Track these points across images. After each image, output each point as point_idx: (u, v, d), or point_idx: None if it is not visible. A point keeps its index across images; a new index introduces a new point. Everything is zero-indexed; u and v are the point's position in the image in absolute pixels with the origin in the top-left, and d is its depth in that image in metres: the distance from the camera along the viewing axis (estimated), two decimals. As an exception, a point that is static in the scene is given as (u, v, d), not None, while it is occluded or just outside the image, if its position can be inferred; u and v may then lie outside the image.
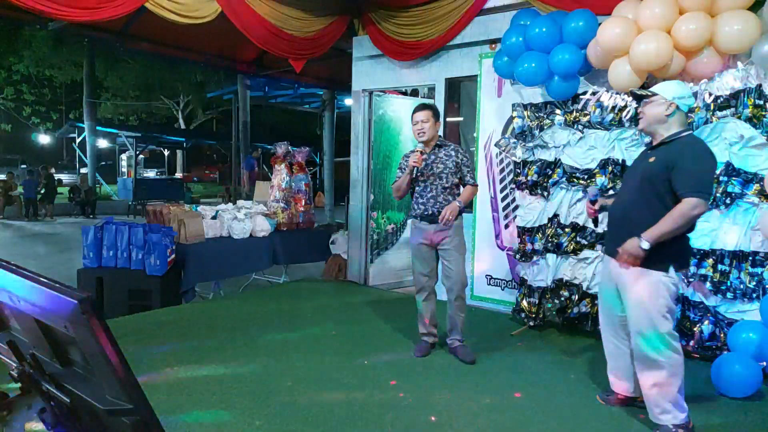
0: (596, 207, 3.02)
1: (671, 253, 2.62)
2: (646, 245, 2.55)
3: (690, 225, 2.60)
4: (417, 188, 3.75)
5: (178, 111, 25.34)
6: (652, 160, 2.70)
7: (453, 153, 3.75)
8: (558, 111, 4.32)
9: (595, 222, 3.20)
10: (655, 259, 2.59)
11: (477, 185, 3.86)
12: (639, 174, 2.75)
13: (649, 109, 2.74)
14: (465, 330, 3.81)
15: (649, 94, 2.75)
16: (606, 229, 3.03)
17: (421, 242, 3.75)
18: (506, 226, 5.00)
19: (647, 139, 3.95)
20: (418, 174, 3.67)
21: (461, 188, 3.80)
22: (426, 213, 3.70)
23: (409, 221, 3.93)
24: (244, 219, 5.79)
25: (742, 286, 3.57)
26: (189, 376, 3.34)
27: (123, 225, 4.90)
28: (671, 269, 2.62)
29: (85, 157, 19.40)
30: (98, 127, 19.60)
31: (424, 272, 3.79)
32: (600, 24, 3.86)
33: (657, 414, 2.70)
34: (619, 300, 2.84)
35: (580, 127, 4.21)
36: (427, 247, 3.76)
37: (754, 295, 3.55)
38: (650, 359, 2.66)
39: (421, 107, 3.76)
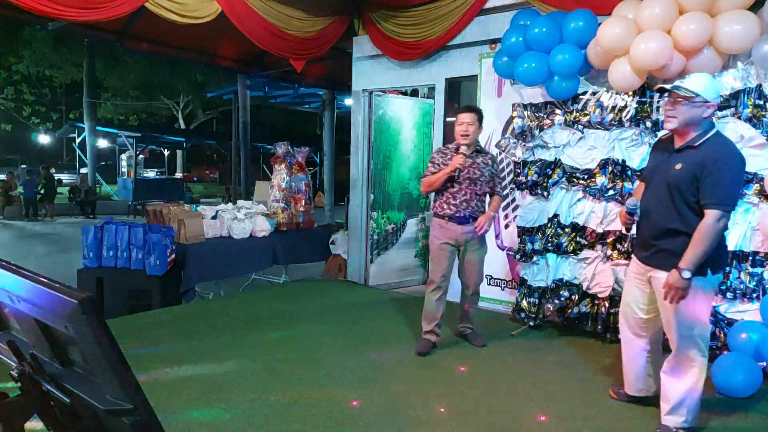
0: (635, 219, 2.84)
1: (709, 257, 2.53)
2: (688, 274, 2.46)
3: (718, 238, 2.50)
4: (450, 189, 3.75)
5: (178, 111, 25.34)
6: (678, 167, 2.56)
7: (490, 162, 3.83)
8: (558, 111, 4.31)
9: (628, 230, 3.03)
10: None
11: (503, 195, 4.02)
12: (665, 180, 2.62)
13: (687, 110, 2.52)
14: (474, 318, 4.07)
15: (692, 95, 2.50)
16: (635, 234, 2.92)
17: (446, 242, 3.78)
18: (506, 226, 5.00)
19: (646, 138, 3.96)
20: (456, 175, 3.69)
21: (487, 196, 3.88)
22: (457, 215, 3.73)
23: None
24: (244, 219, 5.79)
25: (742, 286, 3.57)
26: (189, 376, 3.34)
27: (123, 225, 4.90)
28: (709, 273, 2.55)
29: (85, 157, 19.42)
30: (98, 127, 19.62)
31: (443, 272, 3.81)
32: (600, 24, 3.86)
33: (669, 415, 2.69)
34: (644, 304, 2.81)
35: (580, 127, 4.21)
36: (450, 247, 3.79)
37: (754, 295, 3.55)
38: (685, 364, 2.64)
39: (468, 109, 3.80)
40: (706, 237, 2.45)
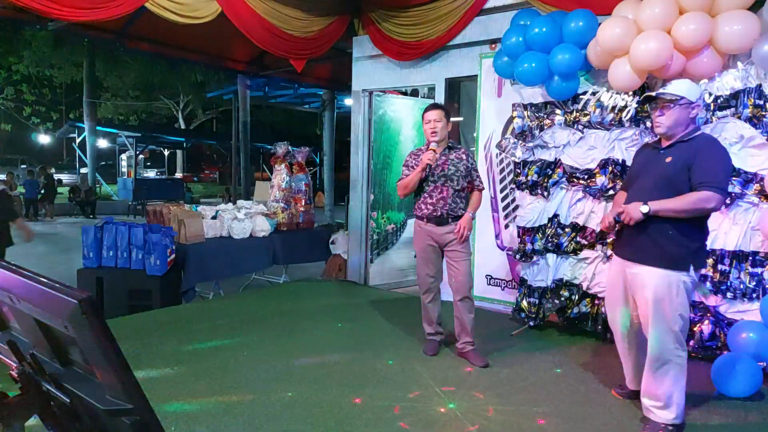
0: (617, 227, 2.90)
1: (692, 253, 2.65)
2: (645, 209, 2.59)
3: (695, 214, 2.60)
4: (426, 188, 3.68)
5: (178, 111, 25.35)
6: (668, 160, 2.68)
7: (464, 157, 3.73)
8: (558, 111, 4.31)
9: (605, 233, 3.15)
10: (677, 258, 2.60)
11: (483, 188, 3.87)
12: (656, 174, 2.71)
13: (676, 113, 2.66)
14: (473, 331, 3.74)
15: (677, 97, 2.65)
16: (617, 231, 2.93)
17: (428, 244, 3.72)
18: (506, 226, 5.00)
19: (646, 138, 3.96)
20: (428, 173, 3.64)
21: (467, 192, 3.78)
22: (435, 215, 3.65)
23: (412, 221, 3.92)
24: (244, 219, 5.79)
25: (742, 286, 3.57)
26: (189, 376, 3.34)
27: (123, 225, 4.90)
28: (691, 269, 2.64)
29: (85, 157, 19.42)
30: (98, 127, 19.63)
31: (431, 274, 3.78)
32: (600, 24, 3.86)
33: (656, 411, 2.73)
34: (626, 300, 2.87)
35: (580, 127, 4.21)
36: (433, 249, 3.73)
37: (754, 295, 3.55)
38: (664, 358, 2.68)
39: (434, 106, 3.73)
40: (688, 201, 2.55)
